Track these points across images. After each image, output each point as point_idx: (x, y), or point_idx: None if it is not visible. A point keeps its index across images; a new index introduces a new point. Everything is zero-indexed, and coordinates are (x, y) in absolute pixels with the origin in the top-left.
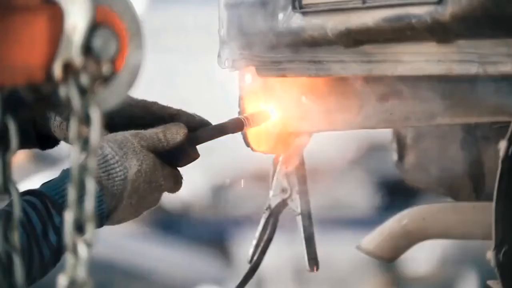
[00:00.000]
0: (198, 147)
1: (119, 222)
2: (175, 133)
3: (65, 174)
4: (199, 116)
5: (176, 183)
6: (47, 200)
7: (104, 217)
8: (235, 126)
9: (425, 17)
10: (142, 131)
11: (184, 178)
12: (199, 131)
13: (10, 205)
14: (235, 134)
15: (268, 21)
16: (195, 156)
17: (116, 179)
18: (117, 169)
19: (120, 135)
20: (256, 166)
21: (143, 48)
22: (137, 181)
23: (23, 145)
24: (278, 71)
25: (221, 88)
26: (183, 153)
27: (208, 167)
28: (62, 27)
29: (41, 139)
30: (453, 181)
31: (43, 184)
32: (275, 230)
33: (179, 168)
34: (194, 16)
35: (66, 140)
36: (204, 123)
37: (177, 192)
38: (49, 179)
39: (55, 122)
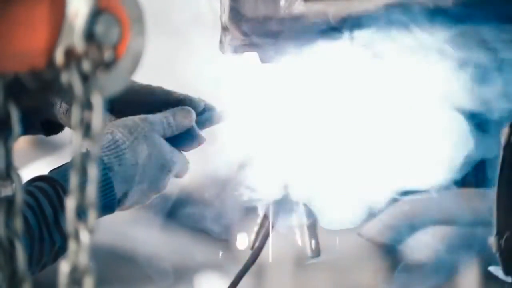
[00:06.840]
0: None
1: (129, 207)
2: (183, 118)
3: None
4: (204, 101)
5: (183, 167)
6: (58, 186)
7: (115, 203)
8: None
9: (428, 3)
10: (151, 116)
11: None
12: (205, 115)
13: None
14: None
15: (270, 7)
16: (201, 140)
17: (127, 164)
18: (128, 154)
19: (129, 120)
20: (259, 153)
21: (145, 34)
22: (147, 165)
23: (27, 131)
24: (280, 57)
25: (222, 74)
26: (190, 137)
27: (209, 153)
28: (64, 13)
29: (45, 125)
30: None
31: (53, 170)
32: (277, 217)
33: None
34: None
35: None
36: (209, 108)
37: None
38: (59, 165)
39: (61, 109)
